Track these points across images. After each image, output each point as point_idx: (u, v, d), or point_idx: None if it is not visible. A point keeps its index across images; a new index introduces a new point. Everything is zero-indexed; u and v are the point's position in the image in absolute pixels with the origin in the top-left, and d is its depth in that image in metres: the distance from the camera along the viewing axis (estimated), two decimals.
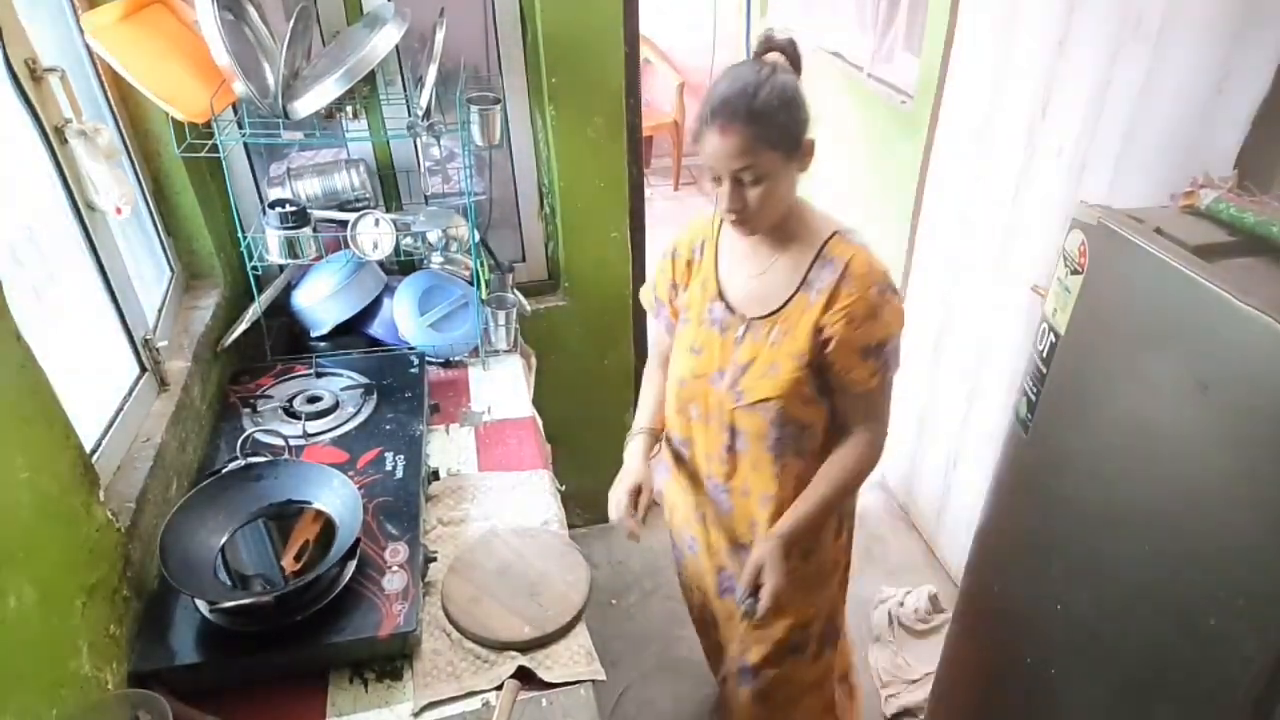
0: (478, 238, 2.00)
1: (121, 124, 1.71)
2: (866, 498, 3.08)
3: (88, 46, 1.55)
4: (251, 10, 1.79)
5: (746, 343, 1.39)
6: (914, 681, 2.37)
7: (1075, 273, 1.37)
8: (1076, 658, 1.45)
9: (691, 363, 1.47)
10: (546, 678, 1.28)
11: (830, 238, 1.33)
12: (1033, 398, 1.49)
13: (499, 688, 1.26)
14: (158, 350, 1.58)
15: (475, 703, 1.25)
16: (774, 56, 1.26)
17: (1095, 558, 1.39)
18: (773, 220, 1.34)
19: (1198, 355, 1.16)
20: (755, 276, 1.39)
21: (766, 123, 1.22)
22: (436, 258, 2.08)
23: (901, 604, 2.54)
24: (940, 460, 2.71)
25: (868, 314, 1.29)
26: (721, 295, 1.43)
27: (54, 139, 1.37)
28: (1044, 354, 1.46)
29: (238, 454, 1.53)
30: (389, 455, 1.62)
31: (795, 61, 1.28)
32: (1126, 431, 1.31)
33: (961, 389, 2.54)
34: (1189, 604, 1.20)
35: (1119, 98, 1.81)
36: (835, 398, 1.40)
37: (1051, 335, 1.44)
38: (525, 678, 1.28)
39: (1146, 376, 1.25)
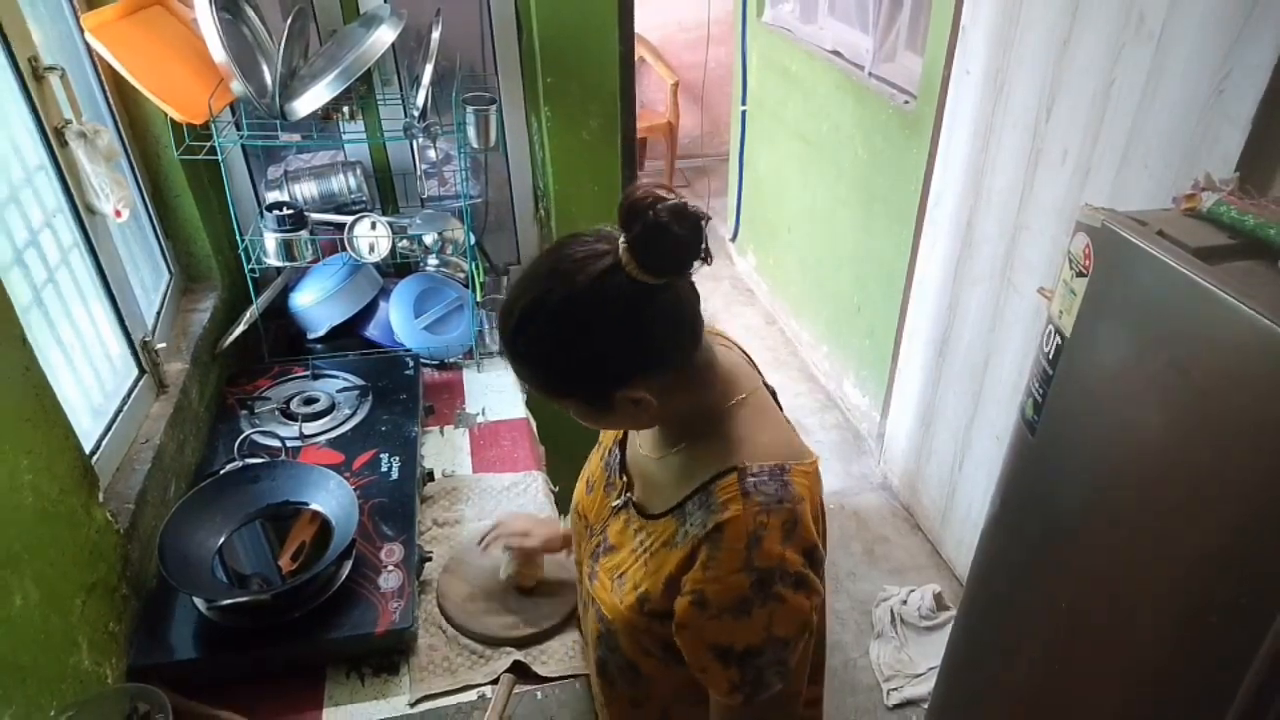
0: (473, 240, 2.02)
1: (121, 125, 1.73)
2: (868, 498, 3.11)
3: (87, 46, 1.56)
4: (249, 10, 1.81)
5: (618, 520, 1.04)
6: (918, 676, 2.39)
7: (1080, 275, 1.38)
8: (1079, 655, 1.47)
9: (581, 494, 1.16)
10: (542, 672, 1.30)
11: (726, 473, 0.91)
12: (1039, 399, 1.50)
13: (494, 681, 1.27)
14: (156, 352, 1.60)
15: (471, 695, 1.27)
16: (621, 246, 0.82)
17: (1099, 557, 1.41)
18: (636, 428, 1.04)
19: (1199, 357, 1.17)
20: (649, 457, 1.02)
21: (532, 372, 0.92)
22: (432, 260, 2.10)
23: (904, 602, 2.57)
24: (946, 461, 2.73)
25: (731, 606, 0.88)
26: (624, 445, 1.09)
27: (54, 140, 1.38)
28: (1050, 355, 1.47)
29: (235, 455, 1.55)
30: (384, 456, 1.64)
31: (660, 253, 0.81)
32: (1131, 433, 1.32)
33: (967, 390, 2.56)
34: (1190, 602, 1.22)
35: (1121, 98, 1.83)
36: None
37: (1057, 337, 1.45)
38: (520, 672, 1.29)
39: (1150, 378, 1.26)
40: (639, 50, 4.85)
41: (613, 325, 0.85)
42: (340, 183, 2.02)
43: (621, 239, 0.83)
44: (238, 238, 1.82)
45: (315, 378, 1.87)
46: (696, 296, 0.91)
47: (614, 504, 1.06)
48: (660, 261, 0.82)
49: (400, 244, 1.90)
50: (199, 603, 1.29)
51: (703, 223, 0.82)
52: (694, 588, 0.90)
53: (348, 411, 1.77)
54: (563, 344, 0.87)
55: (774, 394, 1.07)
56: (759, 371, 1.07)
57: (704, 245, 0.83)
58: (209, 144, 1.68)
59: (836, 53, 3.25)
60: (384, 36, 1.72)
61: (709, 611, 0.89)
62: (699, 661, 0.93)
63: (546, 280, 0.86)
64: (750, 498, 0.89)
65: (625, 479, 1.06)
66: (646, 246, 0.81)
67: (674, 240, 0.81)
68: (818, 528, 0.94)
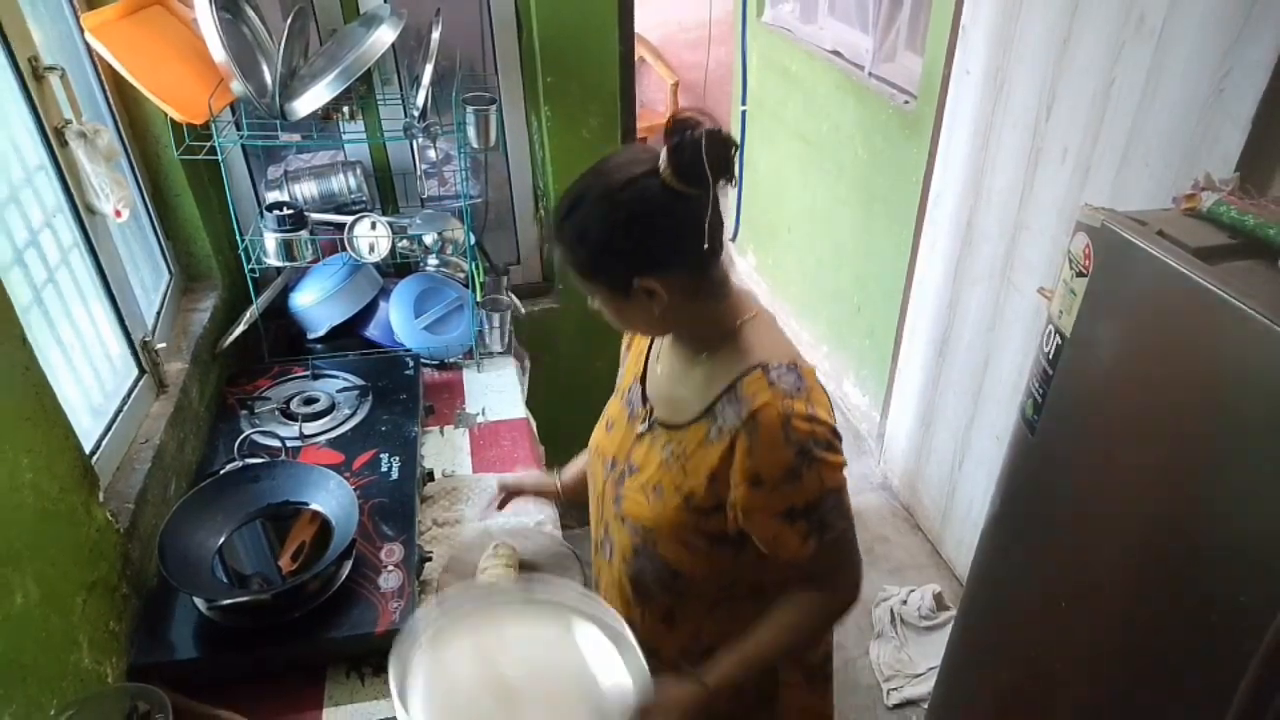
0: (473, 240, 2.02)
1: (121, 125, 1.73)
2: (868, 498, 3.11)
3: (87, 46, 1.56)
4: (249, 10, 1.81)
5: (645, 443, 1.17)
6: (917, 676, 2.39)
7: (1080, 275, 1.38)
8: (1080, 653, 1.47)
9: (600, 436, 1.29)
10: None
11: (749, 371, 1.06)
12: (1039, 399, 1.50)
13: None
14: (156, 352, 1.60)
15: None
16: (663, 158, 0.96)
17: (1099, 556, 1.41)
18: (647, 334, 1.20)
19: (1199, 356, 1.17)
20: (671, 378, 1.16)
21: (572, 254, 1.04)
22: (432, 260, 2.10)
23: (905, 602, 2.57)
24: (946, 461, 2.73)
25: (782, 478, 1.04)
26: (645, 378, 1.22)
27: (54, 140, 1.38)
28: (1050, 355, 1.47)
29: (235, 455, 1.55)
30: (384, 456, 1.64)
31: (694, 164, 0.95)
32: (1130, 432, 1.32)
33: (967, 390, 2.56)
34: (1192, 601, 1.22)
35: (1121, 98, 1.83)
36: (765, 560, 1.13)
37: (1057, 337, 1.45)
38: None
39: (1150, 378, 1.26)
40: (639, 50, 4.85)
41: (639, 219, 0.99)
42: (340, 183, 2.02)
43: (663, 150, 0.96)
44: (238, 238, 1.82)
45: (315, 378, 1.88)
46: (721, 221, 1.03)
47: (639, 430, 1.19)
48: (693, 172, 0.95)
49: (400, 244, 1.90)
50: (199, 602, 1.29)
51: (733, 149, 0.97)
52: (747, 473, 1.04)
53: (348, 411, 1.77)
54: (598, 230, 1.01)
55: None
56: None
57: (731, 166, 0.97)
58: (209, 144, 1.68)
59: (836, 53, 3.25)
60: (384, 36, 1.72)
61: (766, 487, 1.04)
62: (769, 532, 1.08)
63: (592, 177, 1.02)
64: (776, 387, 1.04)
65: (648, 407, 1.18)
66: (682, 157, 0.95)
67: (707, 155, 0.94)
68: (832, 415, 1.09)
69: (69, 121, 1.40)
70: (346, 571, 1.36)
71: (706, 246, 1.01)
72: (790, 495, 1.05)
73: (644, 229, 1.00)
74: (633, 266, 1.01)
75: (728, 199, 3.95)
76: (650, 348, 1.23)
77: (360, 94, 1.92)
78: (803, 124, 3.57)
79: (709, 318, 1.09)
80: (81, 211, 1.44)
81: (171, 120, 1.62)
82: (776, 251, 4.16)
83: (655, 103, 5.33)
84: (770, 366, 1.05)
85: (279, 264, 1.84)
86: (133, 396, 1.50)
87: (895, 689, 2.37)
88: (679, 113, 0.97)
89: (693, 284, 1.05)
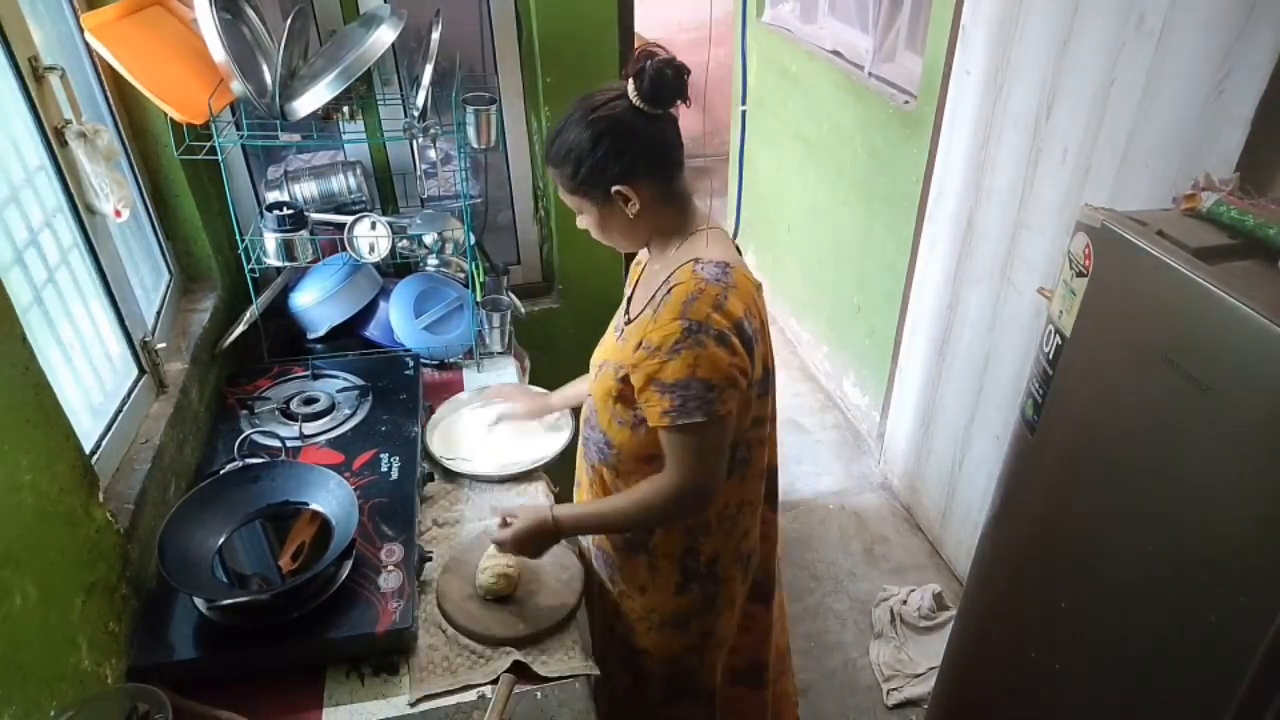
0: (473, 240, 2.02)
1: (120, 125, 1.73)
2: (868, 498, 3.11)
3: (87, 46, 1.56)
4: (249, 10, 1.81)
5: (613, 338, 1.39)
6: (917, 676, 2.39)
7: (1080, 275, 1.39)
8: (1080, 653, 1.47)
9: (595, 352, 1.47)
10: (541, 672, 1.30)
11: (685, 263, 1.24)
12: (1039, 399, 1.50)
13: (494, 681, 1.27)
14: (156, 352, 1.60)
15: (471, 695, 1.27)
16: (629, 84, 1.19)
17: (1099, 556, 1.41)
18: (629, 245, 1.35)
19: (1199, 357, 1.18)
20: (642, 283, 1.38)
21: (562, 169, 1.25)
22: (432, 260, 2.10)
23: (905, 602, 2.57)
24: (946, 461, 2.73)
25: (666, 347, 1.18)
26: (632, 296, 1.42)
27: (54, 140, 1.38)
28: (1050, 355, 1.47)
29: (235, 455, 1.55)
30: (384, 456, 1.64)
31: (655, 88, 1.18)
32: (1130, 432, 1.32)
33: (967, 390, 2.56)
34: (1190, 601, 1.22)
35: (1122, 97, 1.83)
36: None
37: (1057, 337, 1.45)
38: (520, 672, 1.29)
39: (1150, 378, 1.26)
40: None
41: (611, 135, 1.20)
42: (340, 183, 2.02)
43: (630, 79, 1.18)
44: (238, 238, 1.82)
45: (315, 378, 1.88)
46: (680, 141, 1.26)
47: (617, 336, 1.37)
48: (654, 94, 1.19)
49: (400, 244, 1.90)
50: (199, 603, 1.29)
51: (685, 74, 1.20)
52: (643, 337, 1.22)
53: (348, 411, 1.77)
54: (580, 144, 1.21)
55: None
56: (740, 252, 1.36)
57: (684, 90, 1.21)
58: (209, 144, 1.68)
59: (836, 53, 3.25)
60: (384, 36, 1.72)
61: (649, 350, 1.20)
62: (643, 393, 1.23)
63: (573, 106, 1.25)
64: (697, 275, 1.21)
65: (627, 317, 1.37)
66: (643, 82, 1.18)
67: (665, 80, 1.18)
68: (764, 334, 1.29)
69: (69, 121, 1.40)
70: (346, 571, 1.36)
71: (672, 160, 1.25)
72: (662, 366, 1.19)
73: (616, 141, 1.20)
74: (610, 173, 1.21)
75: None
76: (642, 274, 1.40)
77: (360, 94, 1.92)
78: (803, 124, 3.57)
79: (669, 226, 1.30)
80: (81, 211, 1.44)
81: (171, 120, 1.62)
82: (776, 251, 4.16)
83: None
84: (701, 260, 1.23)
85: (279, 264, 1.84)
86: (133, 397, 1.50)
87: (895, 689, 2.37)
88: (641, 46, 1.21)
89: (659, 192, 1.26)
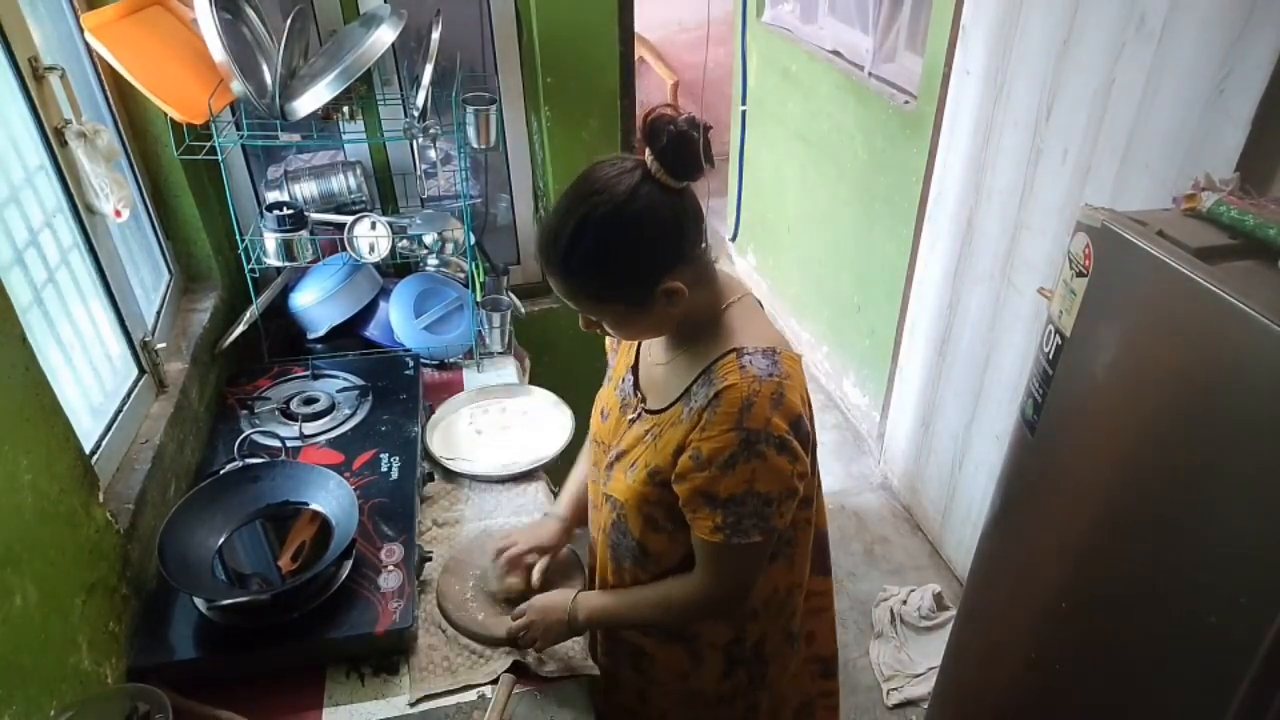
0: (473, 240, 2.02)
1: (120, 125, 1.73)
2: (868, 498, 3.11)
3: (87, 46, 1.56)
4: (249, 10, 1.81)
5: (633, 429, 1.19)
6: (917, 676, 2.39)
7: (1080, 275, 1.38)
8: (1080, 653, 1.47)
9: (597, 424, 1.31)
10: (541, 672, 1.30)
11: (725, 355, 1.07)
12: (1039, 399, 1.50)
13: (494, 682, 1.27)
14: (156, 352, 1.60)
15: (471, 695, 1.27)
16: (649, 159, 0.99)
17: (1099, 556, 1.41)
18: (654, 335, 1.18)
19: (1199, 357, 1.18)
20: (659, 365, 1.19)
21: (584, 282, 1.04)
22: (432, 260, 2.10)
23: (905, 602, 2.57)
24: (946, 461, 2.73)
25: (721, 460, 1.04)
26: (636, 368, 1.24)
27: (54, 140, 1.38)
28: (1050, 355, 1.47)
29: (235, 455, 1.55)
30: (384, 456, 1.64)
31: (684, 159, 0.98)
32: (1130, 433, 1.32)
33: (967, 390, 2.56)
34: (1190, 602, 1.22)
35: (1122, 98, 1.83)
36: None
37: (1057, 337, 1.45)
38: (520, 672, 1.29)
39: (1150, 378, 1.26)
40: (639, 50, 4.84)
41: (654, 227, 1.01)
42: (340, 183, 2.02)
43: (648, 152, 0.99)
44: (238, 238, 1.82)
45: (315, 378, 1.88)
46: (698, 201, 1.06)
47: (630, 418, 1.20)
48: (684, 167, 0.99)
49: (400, 244, 1.90)
50: (199, 603, 1.29)
51: (707, 131, 1.00)
52: (694, 445, 1.06)
53: (348, 411, 1.77)
54: (613, 249, 1.01)
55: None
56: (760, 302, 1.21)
57: (710, 152, 1.00)
58: (209, 144, 1.68)
59: (836, 53, 3.25)
60: (384, 36, 1.72)
61: (701, 463, 1.05)
62: (691, 504, 1.09)
63: (588, 201, 1.00)
64: (746, 370, 1.04)
65: (640, 396, 1.21)
66: (674, 155, 0.98)
67: (694, 147, 0.98)
68: (806, 412, 1.09)
69: (69, 121, 1.40)
70: (346, 572, 1.36)
71: (699, 233, 1.06)
72: (717, 480, 1.04)
73: (656, 234, 1.01)
74: (653, 274, 1.02)
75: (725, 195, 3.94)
76: (641, 348, 1.25)
77: (360, 94, 1.92)
78: (803, 124, 3.57)
79: (698, 304, 1.10)
80: (81, 211, 1.44)
81: (171, 120, 1.62)
82: (776, 251, 4.16)
83: (654, 102, 5.32)
84: (745, 350, 1.06)
85: (279, 264, 1.84)
86: (133, 397, 1.50)
87: (895, 689, 2.37)
88: (652, 113, 0.99)
89: (696, 274, 1.07)
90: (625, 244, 1.01)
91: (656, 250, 1.02)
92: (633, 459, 1.16)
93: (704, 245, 1.09)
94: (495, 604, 1.40)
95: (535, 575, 1.39)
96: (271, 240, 1.78)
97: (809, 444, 1.10)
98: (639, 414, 1.19)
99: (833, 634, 1.43)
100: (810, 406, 1.12)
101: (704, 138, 0.99)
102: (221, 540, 1.39)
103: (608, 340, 1.36)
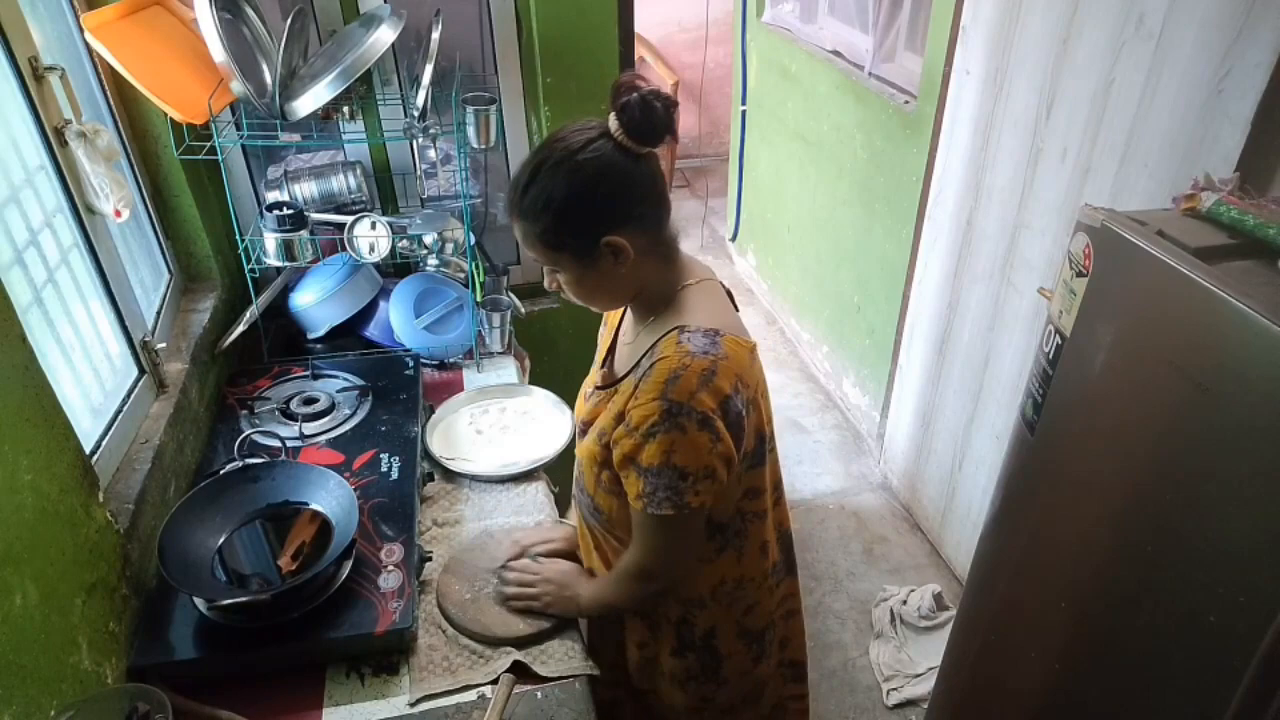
0: (473, 240, 2.02)
1: (120, 125, 1.73)
2: (868, 498, 3.11)
3: (88, 46, 1.56)
4: (249, 10, 1.81)
5: (601, 400, 1.24)
6: (917, 676, 2.40)
7: (1080, 275, 1.38)
8: (1080, 653, 1.47)
9: (580, 404, 1.35)
10: (541, 672, 1.30)
11: (670, 331, 1.12)
12: (1039, 399, 1.50)
13: (494, 682, 1.27)
14: (156, 352, 1.60)
15: (471, 695, 1.27)
16: (611, 120, 1.06)
17: (1099, 556, 1.41)
18: (611, 304, 1.25)
19: (1199, 357, 1.17)
20: (626, 344, 1.25)
21: (536, 224, 1.09)
22: (432, 260, 2.10)
23: (905, 602, 2.57)
24: (946, 461, 2.73)
25: (644, 428, 1.07)
26: (612, 348, 1.30)
27: (54, 140, 1.38)
28: (1050, 355, 1.47)
29: (235, 455, 1.55)
30: (384, 456, 1.64)
31: (644, 124, 1.04)
32: (1130, 432, 1.32)
33: (967, 390, 2.56)
34: (1190, 602, 1.22)
35: (1121, 97, 1.84)
36: None
37: (1057, 337, 1.45)
38: (520, 672, 1.29)
39: (1149, 378, 1.26)
40: (639, 50, 4.85)
41: (602, 180, 1.06)
42: (340, 182, 2.02)
43: (611, 114, 1.05)
44: (238, 238, 1.82)
45: (315, 378, 1.88)
46: (664, 179, 1.12)
47: (601, 389, 1.25)
48: (643, 131, 1.04)
49: (400, 244, 1.90)
50: (199, 603, 1.29)
51: (674, 107, 1.06)
52: (628, 413, 1.11)
53: (348, 411, 1.77)
54: (562, 194, 1.06)
55: (731, 297, 1.28)
56: (735, 306, 1.27)
57: (674, 124, 1.06)
58: (209, 144, 1.68)
59: (836, 53, 3.25)
60: (384, 36, 1.72)
61: (630, 430, 1.10)
62: (622, 468, 1.14)
63: (547, 149, 1.08)
64: (681, 346, 1.09)
65: (613, 374, 1.26)
66: (632, 118, 1.04)
67: (655, 115, 1.04)
68: (757, 403, 1.15)
69: (69, 121, 1.40)
70: (346, 571, 1.36)
71: (662, 204, 1.12)
72: (640, 447, 1.09)
73: (604, 186, 1.06)
74: (598, 224, 1.07)
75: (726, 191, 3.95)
76: (620, 324, 1.30)
77: (360, 94, 1.92)
78: (803, 124, 3.57)
79: (657, 280, 1.16)
80: (81, 211, 1.44)
81: (171, 120, 1.62)
82: (776, 251, 4.16)
83: None
84: (687, 328, 1.11)
85: (279, 264, 1.84)
86: (133, 397, 1.50)
87: (895, 689, 2.37)
88: (620, 79, 1.06)
89: (649, 242, 1.12)
90: (571, 191, 1.06)
91: (603, 202, 1.07)
92: (597, 427, 1.22)
93: (667, 219, 1.15)
94: (496, 599, 1.40)
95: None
96: (271, 240, 1.78)
97: (739, 428, 1.11)
98: (609, 386, 1.24)
99: (802, 636, 1.46)
100: (760, 394, 1.17)
101: (666, 109, 1.04)
102: (221, 540, 1.39)
103: (600, 333, 1.39)
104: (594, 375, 1.34)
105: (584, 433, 1.27)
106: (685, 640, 1.32)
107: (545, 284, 1.19)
